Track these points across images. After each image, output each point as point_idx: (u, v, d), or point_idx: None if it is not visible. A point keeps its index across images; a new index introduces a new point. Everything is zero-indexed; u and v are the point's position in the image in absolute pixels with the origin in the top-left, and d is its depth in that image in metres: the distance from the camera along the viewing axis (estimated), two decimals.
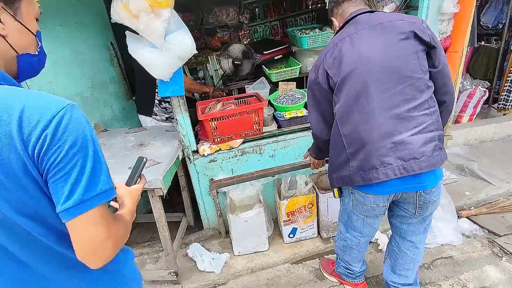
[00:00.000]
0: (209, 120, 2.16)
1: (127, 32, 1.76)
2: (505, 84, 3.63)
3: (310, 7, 3.71)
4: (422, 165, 1.36)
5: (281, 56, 2.91)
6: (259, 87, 2.67)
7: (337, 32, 1.53)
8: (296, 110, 2.45)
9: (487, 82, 3.63)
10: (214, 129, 2.20)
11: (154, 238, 2.73)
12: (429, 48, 1.39)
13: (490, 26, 3.64)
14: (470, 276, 2.03)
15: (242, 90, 2.93)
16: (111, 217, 0.77)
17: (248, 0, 3.72)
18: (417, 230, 1.65)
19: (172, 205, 2.91)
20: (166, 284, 2.18)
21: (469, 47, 3.38)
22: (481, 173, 2.93)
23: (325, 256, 2.31)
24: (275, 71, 2.68)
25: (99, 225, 0.72)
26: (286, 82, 2.64)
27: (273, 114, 2.51)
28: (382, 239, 2.36)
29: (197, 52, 1.92)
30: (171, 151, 2.06)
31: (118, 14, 1.69)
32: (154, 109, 2.63)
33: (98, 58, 2.59)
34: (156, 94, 2.55)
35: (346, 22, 1.48)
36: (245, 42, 3.30)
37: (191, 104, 2.40)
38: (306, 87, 2.77)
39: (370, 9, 1.50)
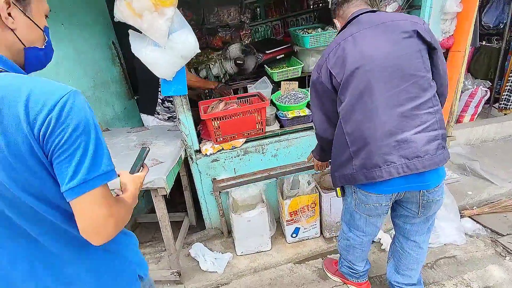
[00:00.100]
0: (212, 120, 2.15)
1: (130, 31, 1.76)
2: (506, 84, 3.63)
3: (311, 6, 3.70)
4: (425, 163, 1.36)
5: (283, 55, 2.90)
6: (261, 87, 2.66)
7: (339, 32, 1.53)
8: (299, 109, 2.44)
9: (488, 82, 3.63)
10: (216, 128, 2.20)
11: (156, 238, 2.72)
12: (430, 49, 1.40)
13: (492, 26, 3.64)
14: (473, 275, 2.02)
15: (244, 90, 2.92)
16: (113, 198, 0.81)
17: None
18: (420, 230, 1.65)
19: (174, 204, 2.90)
20: (168, 284, 2.17)
21: (470, 47, 3.38)
22: (483, 173, 2.94)
23: (328, 256, 2.31)
24: (277, 71, 2.68)
25: (101, 204, 0.76)
26: (288, 82, 2.63)
27: (276, 113, 2.50)
28: (385, 239, 2.35)
29: (200, 51, 1.91)
30: (173, 151, 2.05)
31: (122, 12, 1.68)
32: (156, 108, 2.62)
33: (100, 57, 2.58)
34: (159, 93, 2.54)
35: (349, 22, 1.48)
36: (246, 42, 3.29)
37: (193, 103, 2.39)
38: (308, 87, 2.78)
39: (372, 9, 1.49)
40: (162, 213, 1.88)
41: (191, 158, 2.26)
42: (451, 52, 2.33)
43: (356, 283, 1.98)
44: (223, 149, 2.29)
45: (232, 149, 2.29)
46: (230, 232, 2.54)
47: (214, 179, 2.35)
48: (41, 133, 0.70)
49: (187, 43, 1.81)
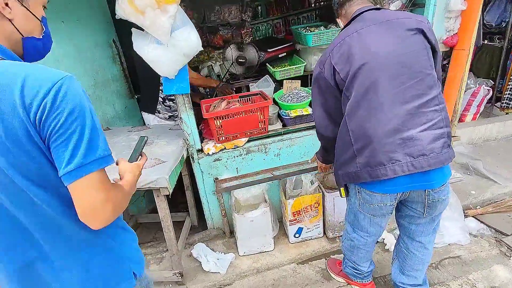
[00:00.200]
0: (214, 119, 2.13)
1: (133, 29, 1.73)
2: (508, 83, 3.61)
3: (313, 5, 3.68)
4: (431, 161, 1.34)
5: (285, 54, 2.88)
6: (264, 85, 2.64)
7: (342, 29, 1.51)
8: (301, 108, 2.42)
9: (491, 80, 3.61)
10: (219, 127, 2.17)
11: (157, 238, 2.69)
12: (432, 50, 1.39)
13: (494, 25, 3.62)
14: (479, 276, 2.01)
15: (246, 88, 2.90)
16: (110, 183, 0.83)
17: None
18: (426, 230, 1.63)
19: (175, 204, 2.88)
20: (170, 285, 2.15)
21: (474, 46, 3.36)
22: (486, 172, 2.92)
23: (331, 256, 2.29)
24: (279, 69, 2.65)
25: (98, 189, 0.78)
26: (290, 80, 2.61)
27: (278, 112, 2.48)
28: (389, 239, 2.34)
29: (202, 49, 1.89)
30: (176, 150, 2.02)
31: (124, 10, 1.66)
32: (157, 107, 2.59)
33: (100, 56, 2.55)
34: (160, 91, 2.52)
35: (353, 19, 1.45)
36: (247, 40, 3.26)
37: (194, 103, 2.37)
38: (310, 85, 2.76)
39: (376, 6, 1.47)
40: (165, 213, 1.86)
41: (193, 158, 2.24)
42: (455, 50, 2.31)
43: (361, 283, 1.96)
44: (225, 148, 2.26)
45: (234, 148, 2.27)
46: (232, 232, 2.52)
47: (216, 178, 2.32)
48: (37, 117, 0.71)
49: (189, 40, 1.78)
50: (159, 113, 2.62)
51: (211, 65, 3.28)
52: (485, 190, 2.75)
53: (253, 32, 3.75)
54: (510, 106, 3.62)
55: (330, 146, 1.67)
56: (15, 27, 0.81)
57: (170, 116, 2.66)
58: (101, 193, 0.78)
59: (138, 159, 1.11)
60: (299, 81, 2.62)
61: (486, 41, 3.76)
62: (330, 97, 1.50)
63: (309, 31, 2.62)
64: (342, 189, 1.67)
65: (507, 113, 3.72)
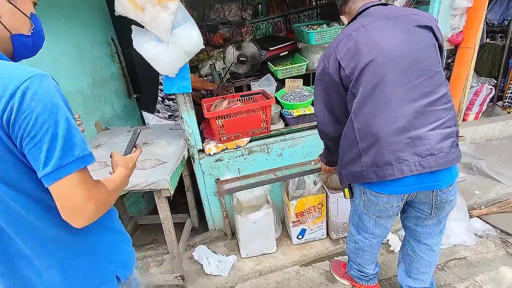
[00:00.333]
0: (216, 118, 2.08)
1: (133, 26, 1.68)
2: (511, 82, 3.59)
3: (314, 3, 3.64)
4: (439, 161, 1.30)
5: (286, 52, 2.84)
6: (265, 84, 2.59)
7: (347, 25, 1.46)
8: (304, 107, 2.38)
9: (493, 79, 3.58)
10: (220, 127, 2.13)
11: (157, 240, 2.64)
12: (439, 48, 1.35)
13: (496, 23, 3.60)
14: (486, 277, 1.97)
15: (247, 87, 2.85)
16: (92, 181, 0.81)
17: None
18: (433, 232, 1.59)
19: (176, 205, 2.83)
20: None
21: None
22: (489, 172, 2.89)
23: (335, 258, 2.25)
24: (281, 68, 2.61)
25: (79, 188, 0.76)
26: (293, 79, 2.57)
27: (280, 111, 2.44)
28: (393, 240, 2.30)
29: (203, 46, 1.84)
30: (177, 150, 1.98)
31: (123, 6, 1.61)
32: (156, 106, 2.55)
33: (99, 54, 2.50)
34: (159, 91, 2.47)
35: (358, 14, 1.41)
36: (248, 39, 3.21)
37: (195, 102, 2.32)
38: (312, 84, 2.72)
39: (382, 2, 1.43)
40: (166, 215, 1.81)
41: (194, 158, 2.19)
42: (460, 48, 2.27)
43: (366, 286, 1.92)
44: (227, 148, 2.22)
45: (236, 148, 2.23)
46: (234, 233, 2.47)
47: (218, 179, 2.28)
48: (4, 118, 0.69)
49: (191, 38, 1.73)
50: (159, 112, 2.57)
51: (213, 63, 3.23)
52: (489, 190, 2.72)
53: (253, 30, 3.71)
54: None
55: (333, 145, 1.62)
56: (2, 24, 0.79)
57: (170, 116, 2.61)
58: (83, 193, 0.77)
59: (132, 151, 1.12)
60: (301, 79, 2.58)
61: (488, 40, 3.73)
62: (333, 93, 1.45)
63: (312, 29, 2.58)
64: (346, 190, 1.63)
65: (508, 112, 3.70)
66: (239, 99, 2.33)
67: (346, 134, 1.46)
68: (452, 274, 2.03)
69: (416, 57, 1.28)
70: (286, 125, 2.39)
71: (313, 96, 2.37)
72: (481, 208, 2.56)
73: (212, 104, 2.25)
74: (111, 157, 1.05)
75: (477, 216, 2.46)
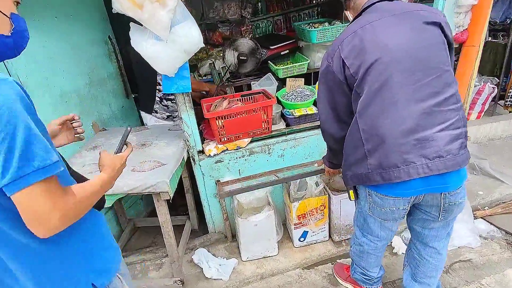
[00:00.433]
0: (216, 119, 2.03)
1: (131, 24, 1.63)
2: None
3: (314, 1, 3.60)
4: (448, 164, 1.25)
5: (287, 51, 2.79)
6: (266, 84, 2.54)
7: (352, 22, 1.42)
8: (306, 107, 2.33)
9: (496, 78, 3.55)
10: (221, 127, 2.08)
11: (156, 243, 2.60)
12: (448, 45, 1.30)
13: (498, 22, 3.56)
14: (492, 280, 1.93)
15: (247, 87, 2.80)
16: (59, 191, 0.78)
17: None
18: (440, 235, 1.54)
19: (175, 207, 2.78)
20: None
21: None
22: (493, 172, 2.85)
23: (338, 261, 2.20)
24: (282, 67, 2.56)
25: (42, 198, 0.73)
26: (294, 79, 2.53)
27: (281, 111, 2.39)
28: (397, 242, 2.26)
29: (203, 45, 1.80)
30: (176, 152, 1.93)
31: (120, 3, 1.56)
32: (154, 107, 2.49)
33: (96, 53, 2.44)
34: (157, 91, 2.42)
35: (364, 10, 1.36)
36: (248, 38, 3.17)
37: (194, 102, 2.27)
38: (314, 84, 2.67)
39: None
40: (165, 219, 1.77)
41: (194, 159, 2.14)
42: (465, 47, 2.24)
43: None
44: (227, 149, 2.17)
45: (237, 149, 2.18)
46: (234, 236, 2.43)
47: (218, 181, 2.23)
48: None
49: (190, 36, 1.69)
50: (157, 113, 2.52)
51: (213, 62, 3.18)
52: (493, 190, 2.69)
53: (253, 29, 3.66)
54: None
55: (337, 146, 1.57)
56: None
57: (168, 116, 2.56)
58: (46, 203, 0.74)
59: (123, 150, 1.11)
60: (303, 79, 2.53)
61: (490, 38, 3.70)
62: (337, 93, 1.40)
63: (313, 27, 2.53)
64: (351, 192, 1.59)
65: (510, 111, 3.66)
66: (240, 99, 2.29)
67: (351, 135, 1.41)
68: (458, 277, 2.00)
69: (424, 55, 1.23)
70: (288, 125, 2.34)
71: (314, 95, 2.35)
72: (485, 208, 2.52)
73: (212, 104, 2.20)
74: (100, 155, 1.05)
75: (481, 217, 2.43)
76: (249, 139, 2.20)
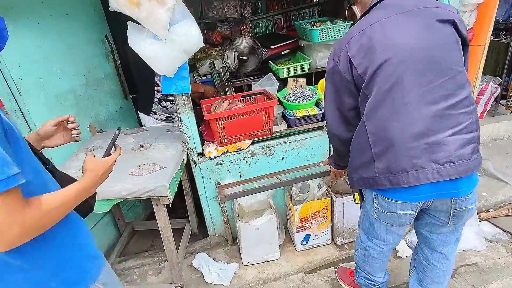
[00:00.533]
0: (216, 120, 1.98)
1: (129, 22, 1.58)
2: None
3: (315, 0, 3.54)
4: (459, 169, 1.20)
5: (288, 50, 2.74)
6: (267, 84, 2.49)
7: (360, 18, 1.36)
8: (308, 108, 2.28)
9: (498, 78, 3.51)
10: (221, 129, 2.03)
11: (155, 247, 2.55)
12: (463, 44, 1.25)
13: (501, 20, 3.53)
14: (499, 285, 1.89)
15: (248, 87, 2.75)
16: (20, 204, 0.75)
17: None
18: (448, 240, 1.50)
19: (174, 209, 2.72)
20: None
21: None
22: (496, 173, 2.82)
23: (341, 265, 2.16)
24: (283, 67, 2.51)
25: (1, 212, 0.71)
26: (295, 79, 2.47)
27: (283, 112, 2.34)
28: (401, 245, 2.22)
29: (203, 45, 1.74)
30: (176, 154, 1.88)
31: (117, 1, 1.50)
32: (153, 108, 2.44)
33: (92, 53, 2.38)
34: (156, 91, 2.36)
35: (373, 6, 1.31)
36: (251, 39, 3.11)
37: (193, 102, 2.22)
38: (315, 84, 2.62)
39: None
40: (164, 224, 1.71)
41: (194, 162, 2.09)
42: (471, 46, 2.17)
43: None
44: (227, 151, 2.12)
45: (237, 151, 2.13)
46: (234, 239, 2.38)
47: (219, 183, 2.18)
48: None
49: (190, 35, 1.63)
50: (155, 114, 2.47)
51: (212, 62, 3.12)
52: (497, 192, 2.65)
53: (253, 28, 3.60)
54: None
55: (343, 148, 1.52)
56: None
57: (167, 117, 2.51)
58: (4, 217, 0.72)
59: (112, 152, 1.08)
60: (304, 79, 2.48)
61: (492, 37, 3.65)
62: (344, 93, 1.35)
63: (315, 26, 2.48)
64: (356, 194, 1.55)
65: None
66: (240, 100, 2.24)
67: (358, 137, 1.36)
68: (464, 281, 1.95)
69: (437, 55, 1.18)
70: (289, 126, 2.29)
71: (317, 96, 2.31)
72: (489, 210, 2.49)
73: (212, 105, 2.15)
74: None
75: (486, 219, 2.39)
76: (250, 141, 2.15)
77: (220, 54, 3.34)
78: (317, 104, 2.33)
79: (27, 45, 1.79)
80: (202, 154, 2.12)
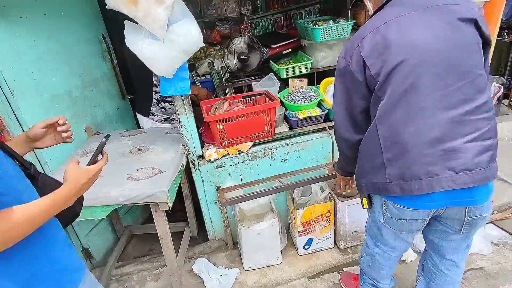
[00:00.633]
0: (217, 122, 1.93)
1: (126, 21, 1.52)
2: None
3: None
4: (476, 178, 1.14)
5: (289, 50, 2.68)
6: (268, 84, 2.44)
7: (372, 15, 1.30)
8: (310, 109, 2.23)
9: (501, 77, 3.47)
10: (221, 131, 1.97)
11: (153, 251, 2.49)
12: (484, 43, 1.18)
13: (503, 19, 3.47)
14: None
15: (247, 88, 2.70)
16: None
17: None
18: (459, 247, 1.44)
19: (173, 213, 2.65)
20: None
21: None
22: (500, 174, 2.77)
23: (344, 269, 2.11)
24: (284, 67, 2.45)
25: None
26: (297, 79, 2.42)
27: (284, 113, 2.29)
28: None
29: (203, 44, 1.69)
30: (175, 158, 1.82)
31: None
32: (151, 109, 2.38)
33: (89, 53, 2.32)
34: (154, 92, 2.30)
35: (386, 2, 1.24)
36: (247, 36, 3.06)
37: (192, 103, 2.16)
38: (316, 84, 2.57)
39: None
40: (164, 230, 1.66)
41: (194, 165, 2.03)
42: None
43: None
44: (228, 153, 2.06)
45: (238, 153, 2.07)
46: (235, 243, 2.33)
47: (219, 187, 2.12)
48: None
49: (189, 35, 1.58)
50: (154, 115, 2.41)
51: (211, 62, 3.07)
52: (502, 194, 2.61)
53: (253, 27, 3.54)
54: None
55: (351, 153, 1.46)
56: None
57: (165, 119, 2.45)
58: None
59: (99, 158, 1.03)
60: (306, 79, 2.43)
61: None
62: (356, 95, 1.28)
63: (317, 25, 2.42)
64: (364, 199, 1.49)
65: None
66: (241, 101, 2.18)
67: (368, 141, 1.30)
68: (471, 286, 1.91)
69: (456, 57, 1.11)
70: (291, 128, 2.24)
71: (319, 96, 2.25)
72: (494, 213, 2.44)
73: (211, 106, 2.09)
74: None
75: (491, 222, 2.34)
76: (251, 143, 2.09)
77: (220, 54, 3.29)
78: (319, 105, 2.28)
79: (20, 45, 1.72)
80: (202, 156, 2.06)
